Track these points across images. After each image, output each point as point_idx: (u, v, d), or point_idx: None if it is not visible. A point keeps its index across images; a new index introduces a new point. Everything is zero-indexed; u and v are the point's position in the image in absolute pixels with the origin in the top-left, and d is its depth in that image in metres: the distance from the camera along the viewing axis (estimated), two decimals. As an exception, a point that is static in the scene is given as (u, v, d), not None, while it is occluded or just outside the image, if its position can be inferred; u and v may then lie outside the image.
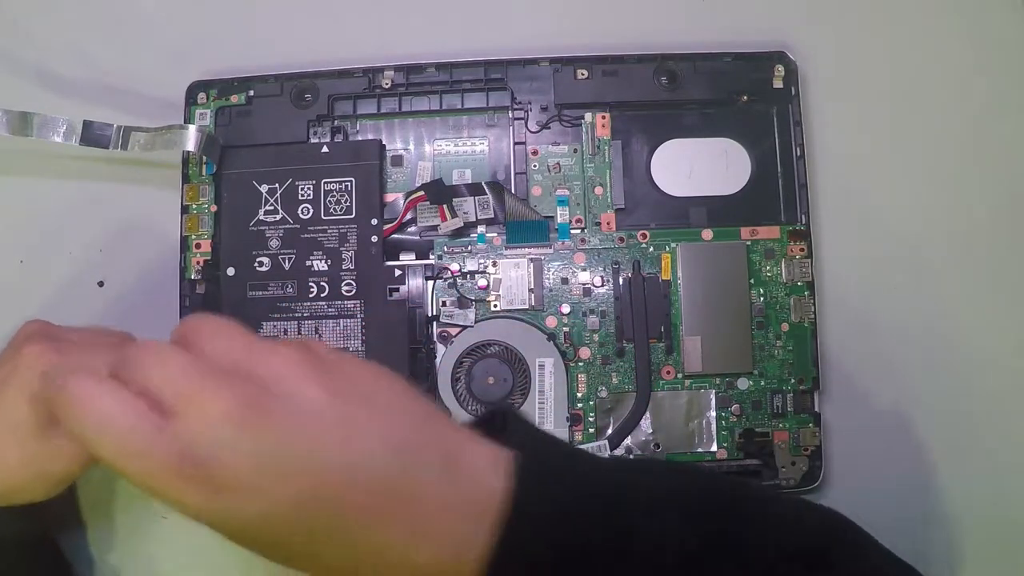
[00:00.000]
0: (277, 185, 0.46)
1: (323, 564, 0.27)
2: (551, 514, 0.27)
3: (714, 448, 0.45)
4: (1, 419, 0.35)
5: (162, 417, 0.25)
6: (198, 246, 0.46)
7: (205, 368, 0.26)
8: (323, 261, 0.45)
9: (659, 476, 0.31)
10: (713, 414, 0.45)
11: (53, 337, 0.37)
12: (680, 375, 0.45)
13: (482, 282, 0.46)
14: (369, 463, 0.26)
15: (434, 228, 0.46)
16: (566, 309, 0.46)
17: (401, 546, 0.26)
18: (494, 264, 0.46)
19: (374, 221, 0.45)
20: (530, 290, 0.46)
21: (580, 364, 0.45)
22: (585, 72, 0.47)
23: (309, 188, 0.46)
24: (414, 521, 0.26)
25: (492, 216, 0.46)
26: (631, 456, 0.44)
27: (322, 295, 0.45)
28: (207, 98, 0.47)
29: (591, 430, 0.45)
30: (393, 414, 0.27)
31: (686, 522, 0.28)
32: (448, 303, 0.45)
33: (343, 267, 0.45)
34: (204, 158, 0.46)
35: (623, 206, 0.46)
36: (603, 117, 0.47)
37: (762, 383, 0.45)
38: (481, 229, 0.46)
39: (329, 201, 0.46)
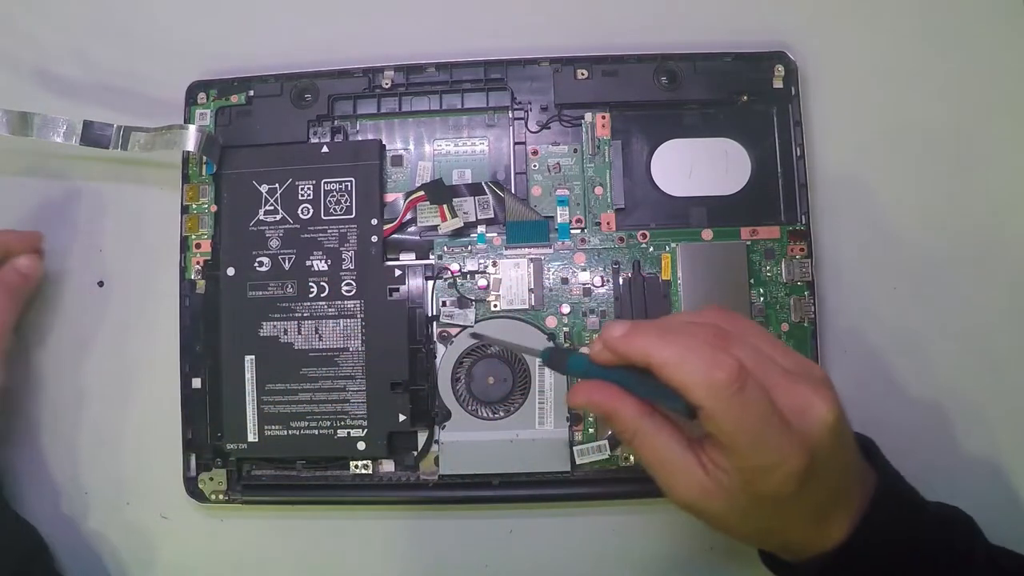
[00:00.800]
0: (277, 185, 0.46)
1: (768, 522, 0.33)
2: (891, 525, 0.34)
3: (714, 448, 0.45)
4: None
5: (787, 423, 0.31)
6: (198, 246, 0.46)
7: (800, 379, 0.32)
8: (323, 261, 0.45)
9: (964, 522, 0.37)
10: (713, 414, 0.45)
11: None
12: (680, 375, 0.45)
13: (482, 282, 0.46)
14: (847, 478, 0.34)
15: (434, 228, 0.46)
16: (566, 309, 0.46)
17: (828, 528, 0.33)
18: (494, 264, 0.46)
19: (374, 221, 0.45)
20: (530, 290, 0.46)
21: (580, 364, 0.45)
22: (585, 72, 0.47)
23: (309, 188, 0.46)
24: (848, 509, 0.33)
25: (492, 216, 0.46)
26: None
27: (322, 295, 0.45)
28: (207, 98, 0.47)
29: (591, 430, 0.45)
30: (854, 445, 0.35)
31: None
32: (448, 303, 0.45)
33: (343, 267, 0.45)
34: (204, 158, 0.46)
35: (623, 206, 0.46)
36: (603, 117, 0.47)
37: (762, 383, 0.45)
38: (481, 229, 0.46)
39: (329, 201, 0.46)
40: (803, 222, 0.46)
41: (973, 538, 0.36)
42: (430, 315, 0.45)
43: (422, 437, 0.45)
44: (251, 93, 0.47)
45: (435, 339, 0.45)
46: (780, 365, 0.32)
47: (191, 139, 0.44)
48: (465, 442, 0.44)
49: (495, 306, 0.45)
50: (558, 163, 0.47)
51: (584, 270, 0.46)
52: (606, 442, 0.44)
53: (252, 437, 0.44)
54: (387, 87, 0.47)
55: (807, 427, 0.31)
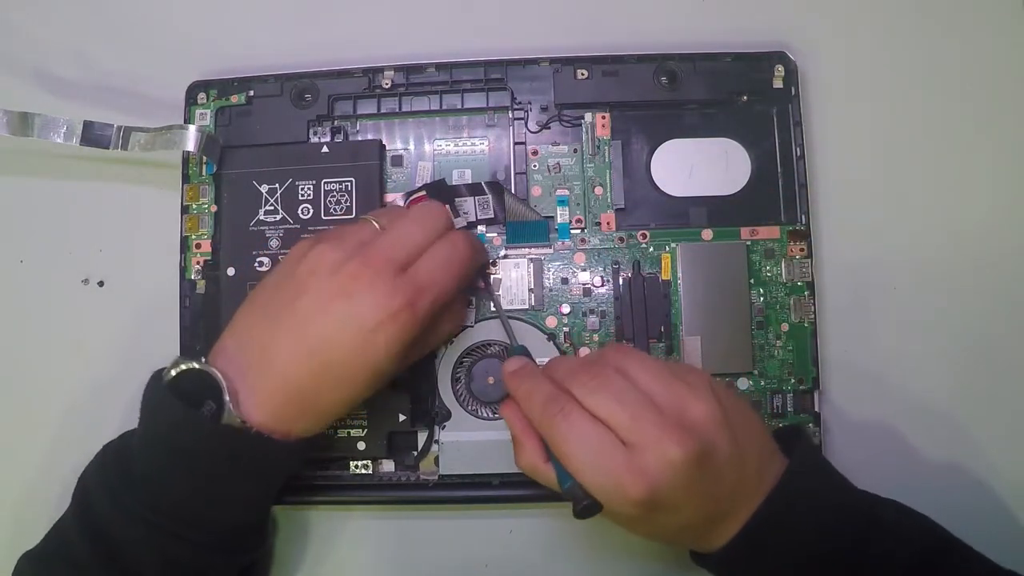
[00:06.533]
0: (277, 185, 0.46)
1: (658, 531, 0.37)
2: (793, 510, 0.36)
3: (714, 448, 0.45)
4: (394, 339, 0.36)
5: (627, 449, 0.34)
6: (198, 246, 0.46)
7: (656, 412, 0.34)
8: (323, 261, 0.45)
9: (889, 505, 0.39)
10: (713, 414, 0.45)
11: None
12: (680, 375, 0.45)
13: (482, 282, 0.46)
14: (739, 486, 0.36)
15: (434, 228, 0.46)
16: (566, 309, 0.46)
17: (715, 520, 0.36)
18: (494, 264, 0.46)
19: (374, 221, 0.45)
20: (530, 290, 0.46)
21: (580, 364, 0.45)
22: (585, 72, 0.47)
23: (309, 188, 0.46)
24: (736, 492, 0.36)
25: (492, 216, 0.46)
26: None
27: (322, 295, 0.45)
28: (207, 98, 0.47)
29: (591, 430, 0.45)
30: (755, 454, 0.37)
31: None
32: (448, 303, 0.45)
33: (343, 267, 0.45)
34: (204, 158, 0.46)
35: (623, 206, 0.46)
36: (603, 117, 0.47)
37: (762, 383, 0.45)
38: (481, 229, 0.46)
39: (329, 201, 0.46)
40: (803, 222, 0.46)
41: (868, 534, 0.37)
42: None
43: (422, 437, 0.45)
44: (251, 93, 0.47)
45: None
46: (652, 400, 0.35)
47: (191, 139, 0.44)
48: (465, 442, 0.44)
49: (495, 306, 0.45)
50: (558, 163, 0.47)
51: (584, 270, 0.46)
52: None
53: (252, 437, 0.44)
54: (387, 87, 0.47)
55: (650, 462, 0.33)
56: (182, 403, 0.35)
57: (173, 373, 0.36)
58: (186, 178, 0.47)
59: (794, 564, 0.36)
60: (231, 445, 0.35)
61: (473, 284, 0.43)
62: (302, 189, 0.46)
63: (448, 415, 0.44)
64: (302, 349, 0.35)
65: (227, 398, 0.35)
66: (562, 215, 0.46)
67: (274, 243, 0.46)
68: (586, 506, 0.35)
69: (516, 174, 0.47)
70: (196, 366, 0.36)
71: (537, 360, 0.44)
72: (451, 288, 0.38)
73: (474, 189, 0.46)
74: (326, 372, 0.36)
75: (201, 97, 0.47)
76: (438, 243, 0.38)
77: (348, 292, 0.35)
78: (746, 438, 0.36)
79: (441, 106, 0.47)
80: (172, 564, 0.36)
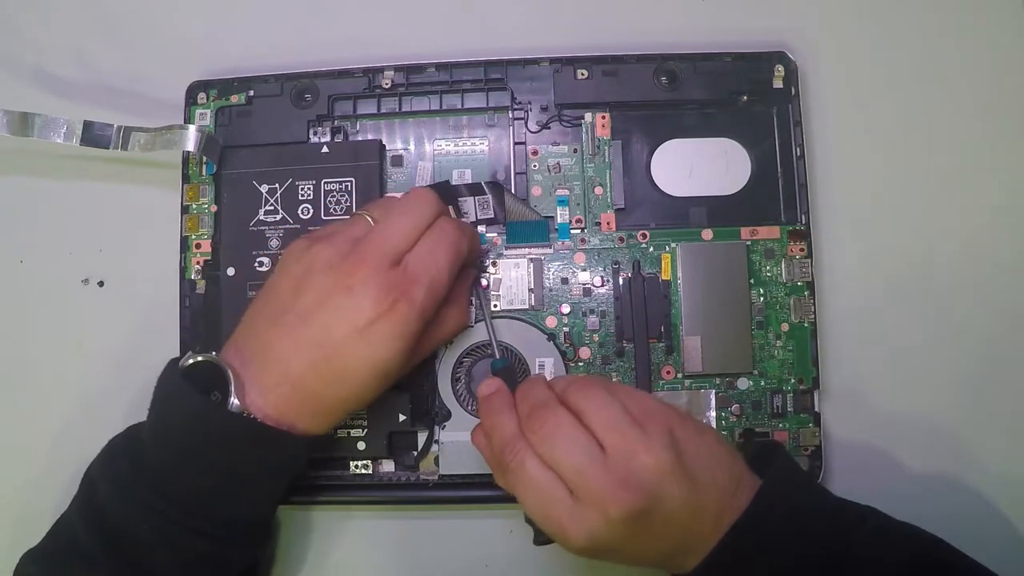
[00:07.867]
0: (277, 185, 0.46)
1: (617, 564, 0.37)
2: (765, 533, 0.35)
3: (714, 448, 0.45)
4: (394, 332, 0.36)
5: (572, 500, 0.34)
6: (198, 246, 0.46)
7: (601, 466, 0.34)
8: (323, 261, 0.45)
9: (871, 514, 0.38)
10: (713, 414, 0.45)
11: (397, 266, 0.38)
12: (680, 375, 0.45)
13: (482, 282, 0.46)
14: (695, 526, 0.35)
15: (434, 228, 0.46)
16: (566, 309, 0.46)
17: (675, 554, 0.36)
18: (494, 264, 0.46)
19: (374, 221, 0.45)
20: (530, 290, 0.46)
21: (580, 364, 0.45)
22: (585, 72, 0.47)
23: (309, 188, 0.46)
24: (692, 534, 0.35)
25: (492, 216, 0.46)
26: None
27: (322, 295, 0.45)
28: (207, 98, 0.47)
29: (591, 430, 0.45)
30: (713, 496, 0.36)
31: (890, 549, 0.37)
32: (448, 303, 0.45)
33: (343, 267, 0.45)
34: (204, 158, 0.46)
35: (623, 206, 0.46)
36: (603, 117, 0.47)
37: (762, 383, 0.45)
38: (481, 229, 0.46)
39: (329, 201, 0.46)
40: (803, 222, 0.46)
41: (847, 546, 0.36)
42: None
43: (422, 437, 0.45)
44: (251, 93, 0.47)
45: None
46: (603, 448, 0.35)
47: (191, 139, 0.44)
48: (465, 442, 0.44)
49: (495, 306, 0.45)
50: (558, 163, 0.47)
51: (584, 270, 0.46)
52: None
53: (252, 437, 0.44)
54: (387, 87, 0.47)
55: (591, 516, 0.34)
56: (194, 390, 0.36)
57: (189, 363, 0.37)
58: (186, 178, 0.47)
59: None
60: (234, 433, 0.36)
61: (471, 266, 0.44)
62: (302, 189, 0.46)
63: (448, 415, 0.44)
64: (304, 344, 0.36)
65: (232, 387, 0.36)
66: (562, 215, 0.46)
67: (274, 243, 0.46)
68: (541, 540, 0.38)
69: (516, 174, 0.47)
70: (205, 358, 0.37)
71: (530, 358, 0.44)
72: (444, 275, 0.38)
73: (474, 189, 0.46)
74: (328, 367, 0.36)
75: (201, 97, 0.47)
76: (428, 233, 0.39)
77: (346, 286, 0.36)
78: (705, 480, 0.35)
79: (441, 106, 0.47)
80: (180, 554, 0.36)
